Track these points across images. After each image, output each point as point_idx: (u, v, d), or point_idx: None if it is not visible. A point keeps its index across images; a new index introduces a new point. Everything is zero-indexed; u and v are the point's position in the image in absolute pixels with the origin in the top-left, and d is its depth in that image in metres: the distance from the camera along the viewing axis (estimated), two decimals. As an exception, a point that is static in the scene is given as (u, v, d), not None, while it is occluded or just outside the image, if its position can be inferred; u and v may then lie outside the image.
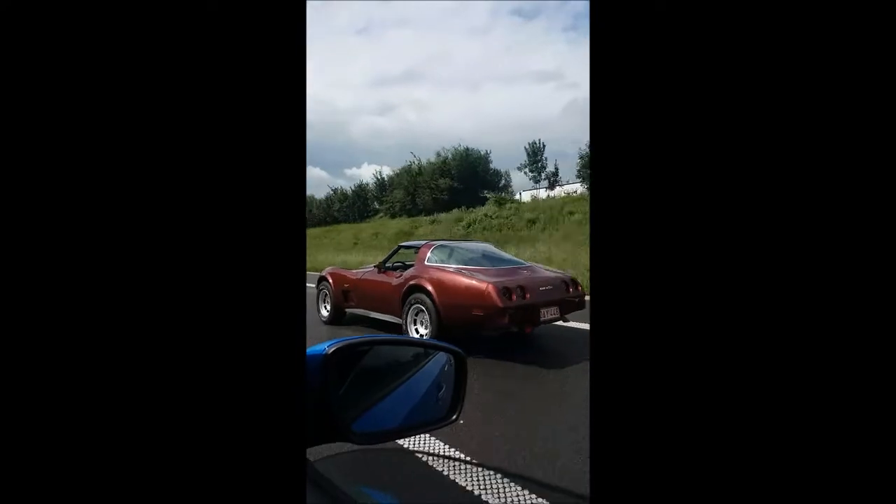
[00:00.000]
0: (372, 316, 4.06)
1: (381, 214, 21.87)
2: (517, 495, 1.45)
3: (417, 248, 3.91)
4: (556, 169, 26.47)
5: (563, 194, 18.86)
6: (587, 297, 3.51)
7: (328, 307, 4.58)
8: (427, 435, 1.88)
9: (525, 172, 26.28)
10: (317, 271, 6.66)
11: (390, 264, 4.25)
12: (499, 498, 1.43)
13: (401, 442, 1.48)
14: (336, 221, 22.99)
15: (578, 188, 20.20)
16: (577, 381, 2.67)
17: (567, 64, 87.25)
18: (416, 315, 3.47)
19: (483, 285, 3.05)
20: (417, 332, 3.42)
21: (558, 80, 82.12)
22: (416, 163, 23.38)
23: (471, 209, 17.28)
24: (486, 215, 16.02)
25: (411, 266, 3.96)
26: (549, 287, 3.28)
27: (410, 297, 3.48)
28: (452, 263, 3.54)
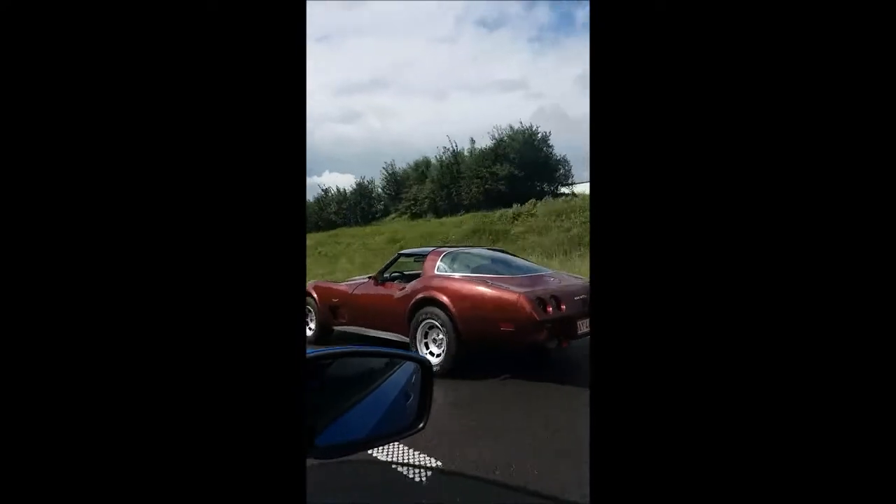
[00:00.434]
0: (370, 334, 3.51)
1: (393, 215, 19.87)
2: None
3: (422, 256, 3.45)
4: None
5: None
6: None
7: (312, 326, 3.99)
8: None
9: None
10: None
11: (388, 274, 3.74)
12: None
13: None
14: (333, 225, 20.09)
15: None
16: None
17: (532, 74, 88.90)
18: (428, 331, 3.09)
19: (513, 296, 2.67)
20: (430, 351, 3.05)
21: (524, 89, 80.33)
22: (450, 151, 17.35)
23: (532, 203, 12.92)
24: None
25: (412, 276, 3.56)
26: (583, 296, 2.88)
27: (420, 312, 3.07)
28: (467, 272, 3.15)
